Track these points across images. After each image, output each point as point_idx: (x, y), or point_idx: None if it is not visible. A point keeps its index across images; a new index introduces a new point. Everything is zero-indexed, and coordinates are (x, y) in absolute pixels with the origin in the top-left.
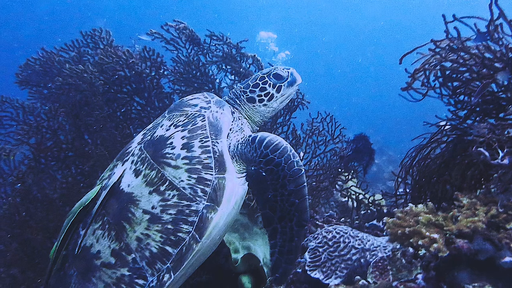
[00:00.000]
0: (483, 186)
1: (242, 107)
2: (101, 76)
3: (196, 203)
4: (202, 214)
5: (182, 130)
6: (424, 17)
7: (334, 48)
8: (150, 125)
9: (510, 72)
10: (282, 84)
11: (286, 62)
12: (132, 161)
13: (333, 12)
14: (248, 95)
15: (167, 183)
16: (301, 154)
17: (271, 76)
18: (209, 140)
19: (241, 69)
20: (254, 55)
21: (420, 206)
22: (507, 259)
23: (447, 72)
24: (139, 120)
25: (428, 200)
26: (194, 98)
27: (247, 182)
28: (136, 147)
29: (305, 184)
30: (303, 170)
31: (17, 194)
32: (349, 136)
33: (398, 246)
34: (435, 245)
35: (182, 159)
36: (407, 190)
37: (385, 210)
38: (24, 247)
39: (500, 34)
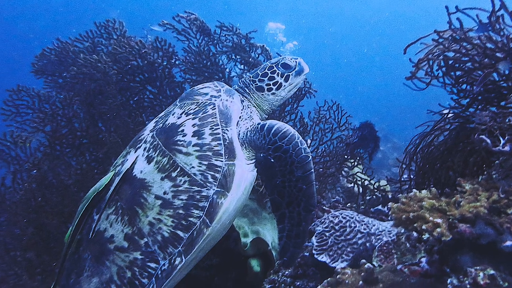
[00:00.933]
0: (485, 172)
1: (251, 96)
2: (114, 65)
3: (206, 189)
4: (212, 199)
5: (193, 118)
6: (428, 8)
7: (340, 38)
8: (162, 113)
9: (511, 61)
10: (290, 74)
11: (294, 52)
12: (145, 148)
13: (339, 4)
14: (257, 84)
15: (178, 170)
16: (309, 141)
17: (279, 66)
18: (219, 128)
19: (250, 59)
20: (263, 45)
21: (424, 191)
22: (508, 243)
23: (450, 62)
24: (151, 108)
25: (432, 186)
26: (205, 87)
27: (256, 169)
28: (148, 134)
29: (312, 170)
30: (310, 156)
31: (33, 180)
32: (355, 124)
33: (402, 231)
34: (438, 229)
35: (193, 146)
36: (411, 176)
37: (390, 196)
38: (40, 232)
39: (502, 25)
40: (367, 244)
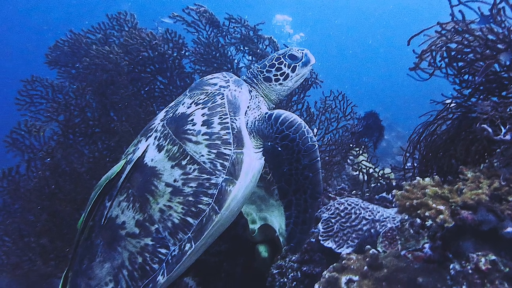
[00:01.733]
0: (487, 161)
1: (259, 86)
2: (126, 56)
3: (215, 177)
4: (221, 187)
5: (203, 108)
6: (431, 0)
7: (346, 30)
8: (172, 103)
9: None
10: (297, 64)
11: (300, 44)
12: (155, 137)
13: None
14: (265, 74)
15: (188, 158)
16: (315, 130)
17: (286, 57)
18: (228, 117)
19: (258, 50)
20: (271, 37)
21: (427, 179)
22: (509, 229)
23: (453, 53)
24: (162, 98)
25: (435, 173)
26: (214, 78)
27: (264, 157)
28: (159, 123)
29: (319, 158)
30: (317, 145)
31: (46, 168)
32: (360, 113)
33: (406, 217)
34: (441, 216)
35: (202, 135)
36: (415, 164)
37: (394, 183)
38: (53, 218)
39: (503, 17)
40: (372, 230)
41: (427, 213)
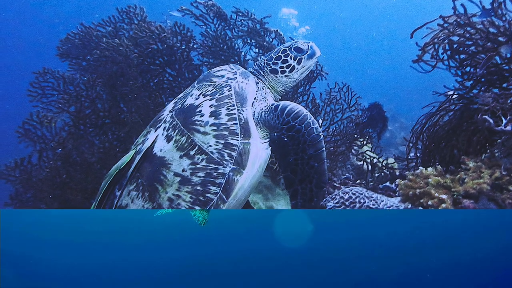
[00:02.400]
0: (488, 151)
1: (266, 78)
2: (135, 49)
3: (223, 167)
4: (228, 176)
5: (210, 99)
6: None
7: (350, 23)
8: (181, 95)
9: None
10: (303, 57)
11: (306, 37)
12: (164, 128)
13: None
14: (271, 66)
15: (196, 148)
16: (320, 121)
17: (292, 49)
18: (235, 108)
19: (265, 43)
20: (277, 30)
21: (429, 169)
22: None
23: (455, 46)
24: (170, 90)
25: (437, 163)
26: (221, 70)
27: (270, 147)
28: (168, 114)
29: (324, 148)
30: (322, 136)
31: (58, 158)
32: (364, 105)
33: (409, 206)
34: (443, 205)
35: (210, 126)
36: (418, 155)
37: (397, 173)
38: (64, 207)
39: (504, 11)
40: None
41: (430, 202)
